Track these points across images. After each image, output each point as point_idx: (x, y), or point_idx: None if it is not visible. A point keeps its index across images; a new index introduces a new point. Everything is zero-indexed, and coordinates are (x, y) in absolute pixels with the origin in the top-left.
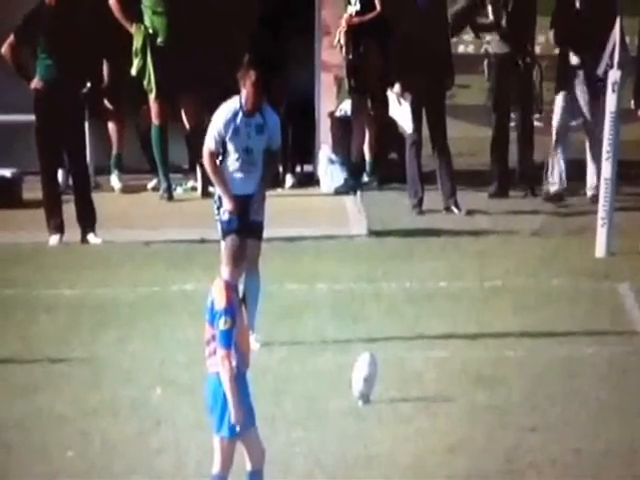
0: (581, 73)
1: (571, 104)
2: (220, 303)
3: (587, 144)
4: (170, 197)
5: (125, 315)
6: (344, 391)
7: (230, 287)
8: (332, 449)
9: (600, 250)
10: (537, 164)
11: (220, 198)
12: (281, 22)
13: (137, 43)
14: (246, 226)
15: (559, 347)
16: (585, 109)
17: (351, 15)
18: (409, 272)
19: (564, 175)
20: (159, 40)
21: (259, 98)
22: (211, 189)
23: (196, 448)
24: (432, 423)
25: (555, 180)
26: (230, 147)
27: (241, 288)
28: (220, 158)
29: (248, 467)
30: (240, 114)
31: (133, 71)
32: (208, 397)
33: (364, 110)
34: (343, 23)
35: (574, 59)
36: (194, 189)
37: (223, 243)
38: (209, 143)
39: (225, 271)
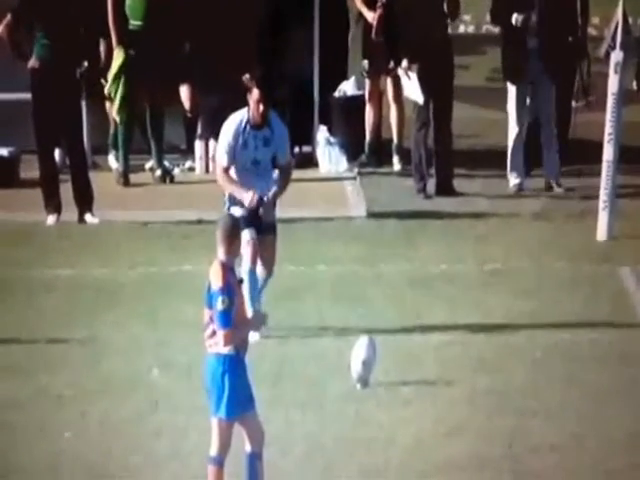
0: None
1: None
2: (216, 284)
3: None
4: (126, 182)
5: (123, 296)
6: (343, 374)
7: (226, 268)
8: (331, 432)
9: (601, 233)
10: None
11: (230, 198)
12: (280, 3)
13: (115, 65)
14: (259, 226)
15: (559, 331)
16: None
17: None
18: (409, 255)
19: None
20: (137, 23)
21: (264, 114)
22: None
23: (194, 430)
24: (432, 407)
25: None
26: (238, 159)
27: (238, 271)
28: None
29: (247, 449)
30: (248, 127)
31: (105, 90)
32: (206, 378)
33: (379, 91)
34: (378, 11)
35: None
36: (191, 169)
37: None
38: (220, 160)
39: (220, 252)
